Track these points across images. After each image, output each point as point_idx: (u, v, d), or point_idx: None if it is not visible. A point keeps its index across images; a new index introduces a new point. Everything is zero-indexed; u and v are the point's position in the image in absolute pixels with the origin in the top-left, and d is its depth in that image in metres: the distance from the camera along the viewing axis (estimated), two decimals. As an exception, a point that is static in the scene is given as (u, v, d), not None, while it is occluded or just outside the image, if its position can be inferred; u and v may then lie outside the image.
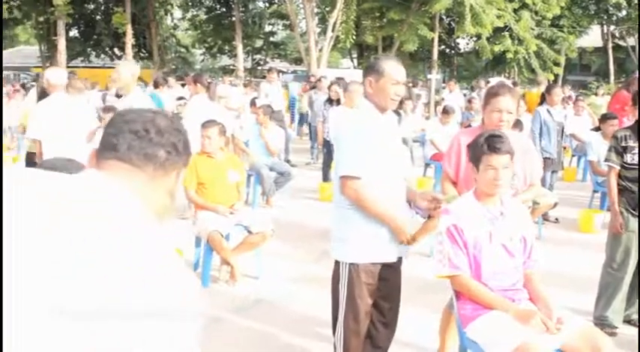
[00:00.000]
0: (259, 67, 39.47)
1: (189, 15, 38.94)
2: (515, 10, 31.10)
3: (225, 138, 6.59)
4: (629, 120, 6.79)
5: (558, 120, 8.62)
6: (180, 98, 13.90)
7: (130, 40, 30.75)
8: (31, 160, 7.57)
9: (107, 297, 1.14)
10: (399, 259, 3.72)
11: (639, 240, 4.74)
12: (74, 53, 33.77)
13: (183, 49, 40.90)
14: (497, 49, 30.77)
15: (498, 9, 28.85)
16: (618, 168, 4.81)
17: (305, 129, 17.54)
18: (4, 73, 33.31)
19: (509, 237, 3.50)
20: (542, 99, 8.71)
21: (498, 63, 33.91)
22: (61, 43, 28.41)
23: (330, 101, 10.75)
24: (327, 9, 28.64)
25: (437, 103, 21.47)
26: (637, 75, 9.83)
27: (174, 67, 36.97)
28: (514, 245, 3.51)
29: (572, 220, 8.35)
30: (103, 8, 35.23)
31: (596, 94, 19.20)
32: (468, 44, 37.92)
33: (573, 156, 13.32)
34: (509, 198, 3.68)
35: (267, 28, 40.20)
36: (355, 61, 40.26)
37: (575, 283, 5.76)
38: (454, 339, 4.03)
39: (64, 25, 28.61)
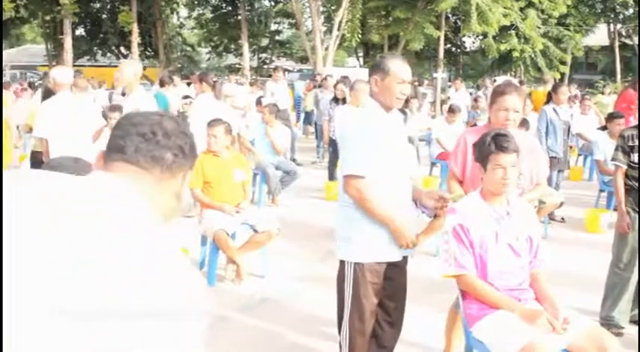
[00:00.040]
0: (265, 66, 39.46)
1: (195, 14, 38.92)
2: (521, 9, 31.01)
3: (231, 137, 6.59)
4: (635, 119, 6.77)
5: (564, 119, 8.59)
6: (186, 97, 13.91)
7: (135, 39, 30.79)
8: (36, 159, 7.60)
9: (107, 297, 1.14)
10: (405, 258, 3.72)
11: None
12: (80, 52, 33.88)
13: (189, 48, 40.94)
14: (503, 47, 30.68)
15: (504, 7, 28.77)
16: (625, 167, 4.80)
17: (311, 127, 17.54)
18: (11, 71, 33.45)
19: (515, 236, 3.50)
20: (549, 98, 8.69)
21: (504, 61, 33.81)
22: (68, 42, 28.47)
23: (335, 100, 10.75)
24: (333, 7, 28.61)
25: (443, 102, 21.47)
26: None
27: (180, 65, 37.02)
28: (520, 244, 3.50)
29: (579, 220, 8.33)
30: (109, 7, 35.29)
31: (602, 93, 19.16)
32: (474, 43, 37.85)
33: (579, 155, 13.28)
34: (516, 198, 3.67)
35: (273, 27, 40.21)
36: (361, 59, 40.18)
37: (582, 283, 5.75)
38: (460, 339, 4.02)
39: (70, 23, 28.68)
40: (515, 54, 31.32)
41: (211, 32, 38.38)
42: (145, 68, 29.67)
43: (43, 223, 1.19)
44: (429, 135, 12.52)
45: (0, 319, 1.06)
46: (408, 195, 3.70)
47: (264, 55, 40.56)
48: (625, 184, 4.80)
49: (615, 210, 5.39)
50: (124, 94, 9.75)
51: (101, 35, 34.94)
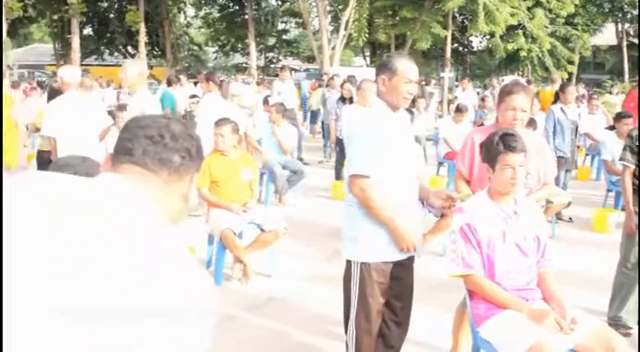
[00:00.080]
0: (272, 65, 39.54)
1: (202, 13, 39.03)
2: (529, 8, 30.98)
3: (238, 136, 6.59)
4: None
5: (572, 118, 8.56)
6: (193, 96, 13.93)
7: (143, 38, 30.88)
8: (42, 158, 7.62)
9: (107, 297, 1.14)
10: (411, 258, 3.71)
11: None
12: (88, 51, 34.03)
13: (196, 47, 41.04)
14: (510, 47, 30.66)
15: (512, 7, 28.75)
16: (633, 167, 4.78)
17: (318, 127, 17.55)
18: (19, 70, 33.57)
19: (522, 236, 3.49)
20: (556, 98, 8.66)
21: (512, 61, 33.79)
22: (75, 41, 28.59)
23: (343, 99, 10.75)
24: (340, 7, 28.64)
25: (450, 102, 21.44)
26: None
27: (187, 65, 37.10)
28: (527, 244, 3.50)
29: (586, 219, 8.30)
30: (116, 6, 35.43)
31: (610, 93, 19.10)
32: (481, 42, 37.82)
33: (587, 155, 13.24)
34: (523, 198, 3.67)
35: (280, 26, 40.27)
36: (368, 59, 40.17)
37: (589, 283, 5.73)
38: (467, 339, 4.02)
39: (77, 23, 28.81)
40: (523, 53, 31.30)
41: (218, 31, 38.47)
42: (152, 67, 29.75)
43: (43, 223, 1.19)
44: (436, 134, 12.50)
45: (0, 319, 1.06)
46: (415, 195, 3.70)
47: (271, 55, 40.63)
48: (633, 184, 4.78)
49: (623, 209, 5.37)
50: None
51: (108, 34, 35.10)
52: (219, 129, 6.21)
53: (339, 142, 10.08)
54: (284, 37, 40.79)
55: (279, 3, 38.58)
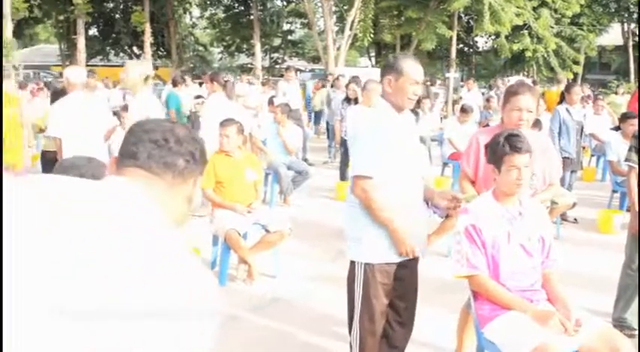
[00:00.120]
0: (277, 66, 39.49)
1: (207, 13, 39.06)
2: (534, 8, 30.92)
3: (243, 137, 6.60)
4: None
5: (577, 119, 8.55)
6: (199, 97, 13.96)
7: (148, 39, 30.94)
8: (46, 158, 7.64)
9: (107, 297, 1.14)
10: (416, 259, 3.70)
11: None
12: (93, 52, 34.09)
13: (201, 48, 41.07)
14: (516, 47, 30.62)
15: (517, 7, 28.70)
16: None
17: (322, 127, 17.54)
18: (24, 71, 33.66)
19: (527, 237, 3.49)
20: (562, 98, 8.65)
21: (517, 61, 33.72)
22: (81, 42, 28.66)
23: (347, 100, 10.74)
24: (345, 7, 28.60)
25: (455, 102, 21.37)
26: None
27: (192, 65, 37.14)
28: (532, 245, 3.49)
29: (591, 220, 8.29)
30: (122, 7, 35.49)
31: (616, 93, 19.05)
32: (486, 42, 37.73)
33: (592, 155, 13.21)
34: (528, 198, 3.66)
35: (285, 27, 40.22)
36: (373, 59, 40.13)
37: (594, 284, 5.72)
38: (472, 339, 4.02)
39: (83, 23, 28.88)
40: (528, 54, 31.25)
41: (223, 32, 38.47)
42: (157, 68, 29.77)
43: (43, 223, 1.20)
44: (441, 135, 12.49)
45: (0, 319, 1.07)
46: (419, 196, 3.70)
47: (276, 55, 40.60)
48: (638, 185, 4.77)
49: (628, 210, 5.36)
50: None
51: (114, 35, 35.16)
52: (224, 130, 6.21)
53: (344, 143, 10.06)
54: (289, 37, 40.75)
55: (285, 3, 38.57)
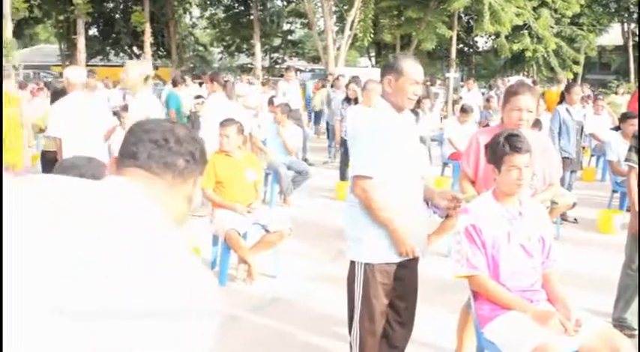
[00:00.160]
0: (277, 66, 39.48)
1: (207, 13, 39.06)
2: (534, 8, 30.93)
3: (243, 137, 6.60)
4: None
5: (577, 119, 8.55)
6: (199, 97, 13.96)
7: (148, 39, 30.94)
8: (46, 158, 7.64)
9: (107, 297, 1.14)
10: (416, 259, 3.70)
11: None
12: (93, 52, 34.09)
13: (201, 48, 41.07)
14: (516, 47, 30.62)
15: (517, 7, 28.70)
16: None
17: (322, 127, 17.54)
18: (24, 71, 33.67)
19: (527, 237, 3.49)
20: (562, 98, 8.65)
21: (517, 61, 33.73)
22: (81, 42, 28.66)
23: (347, 100, 10.74)
24: (345, 7, 28.60)
25: (455, 102, 21.37)
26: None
27: (192, 65, 37.14)
28: (532, 245, 3.49)
29: (591, 220, 8.29)
30: (122, 7, 35.50)
31: (616, 93, 19.05)
32: (486, 42, 37.72)
33: (592, 155, 13.21)
34: (528, 198, 3.66)
35: (285, 27, 40.22)
36: (373, 59, 40.13)
37: (594, 284, 5.72)
38: (472, 340, 4.01)
39: (83, 23, 28.88)
40: (528, 54, 31.26)
41: (224, 32, 38.46)
42: (157, 68, 29.74)
43: (42, 223, 1.20)
44: (441, 135, 12.49)
45: (0, 319, 1.07)
46: (419, 196, 3.70)
47: (276, 55, 40.59)
48: (638, 185, 4.77)
49: (628, 210, 5.36)
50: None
51: (114, 35, 35.16)
52: (224, 130, 6.21)
53: (344, 143, 10.06)
54: (289, 37, 40.74)
55: (285, 3, 38.57)
